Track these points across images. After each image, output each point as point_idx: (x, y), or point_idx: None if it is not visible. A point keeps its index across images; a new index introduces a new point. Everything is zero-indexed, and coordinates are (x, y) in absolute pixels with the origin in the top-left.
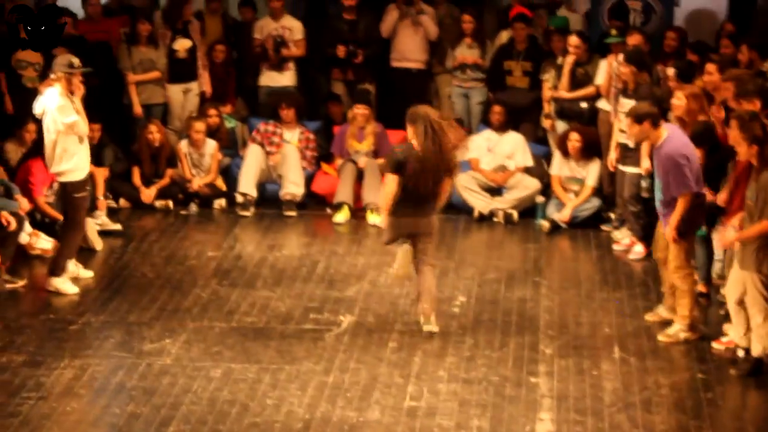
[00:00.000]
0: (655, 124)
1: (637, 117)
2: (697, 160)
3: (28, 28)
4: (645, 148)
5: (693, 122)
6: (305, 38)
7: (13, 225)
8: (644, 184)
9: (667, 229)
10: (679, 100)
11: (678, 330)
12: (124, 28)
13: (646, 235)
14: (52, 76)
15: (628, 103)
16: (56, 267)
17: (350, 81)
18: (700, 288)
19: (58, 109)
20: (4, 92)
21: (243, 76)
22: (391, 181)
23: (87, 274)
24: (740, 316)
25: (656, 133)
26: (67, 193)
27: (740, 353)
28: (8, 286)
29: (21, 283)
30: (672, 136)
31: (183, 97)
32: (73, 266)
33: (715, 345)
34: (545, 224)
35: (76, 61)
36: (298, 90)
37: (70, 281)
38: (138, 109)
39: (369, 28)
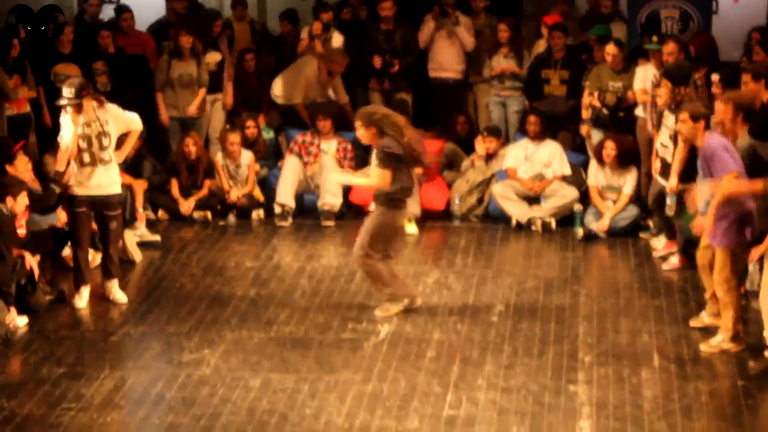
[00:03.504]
0: (708, 125)
1: (694, 115)
2: (738, 158)
3: (28, 28)
4: (676, 166)
5: (733, 129)
6: (343, 51)
7: (36, 271)
8: (669, 201)
9: (706, 219)
10: (719, 104)
11: (721, 341)
12: (165, 42)
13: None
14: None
15: (672, 117)
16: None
17: (387, 91)
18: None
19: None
20: (43, 106)
21: None
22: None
23: (122, 297)
24: None
25: (704, 135)
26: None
27: None
28: (48, 297)
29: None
30: (712, 134)
31: (210, 107)
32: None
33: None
34: (579, 231)
35: (66, 91)
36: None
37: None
38: (164, 116)
39: (405, 38)
